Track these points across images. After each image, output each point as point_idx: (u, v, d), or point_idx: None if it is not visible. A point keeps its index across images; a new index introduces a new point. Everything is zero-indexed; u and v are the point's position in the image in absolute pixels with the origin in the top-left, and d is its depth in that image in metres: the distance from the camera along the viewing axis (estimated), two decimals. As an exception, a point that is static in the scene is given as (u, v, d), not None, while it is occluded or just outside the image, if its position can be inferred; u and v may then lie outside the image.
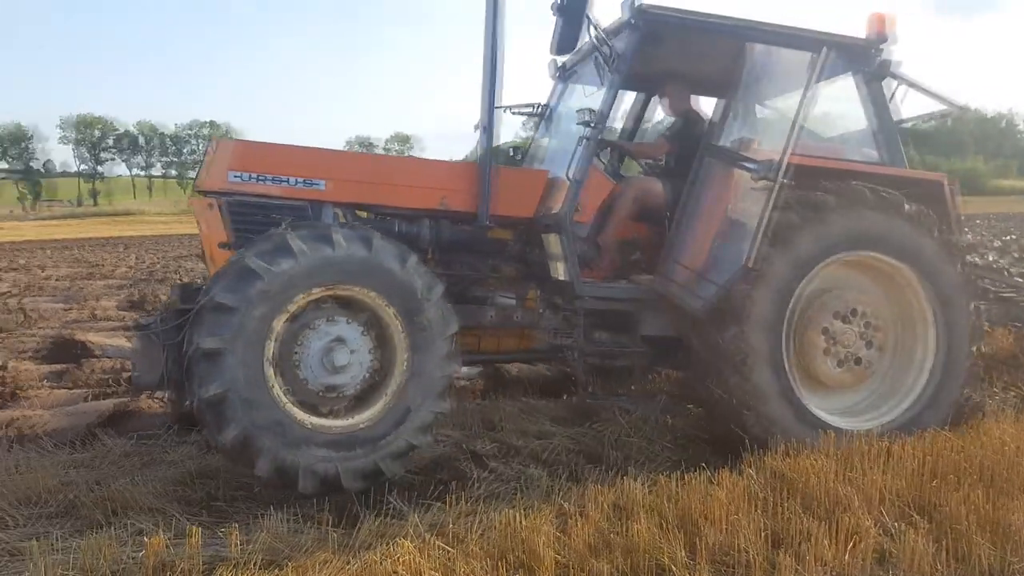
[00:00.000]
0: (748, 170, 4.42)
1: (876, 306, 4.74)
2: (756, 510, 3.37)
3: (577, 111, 4.90)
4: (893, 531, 3.20)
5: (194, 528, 3.14)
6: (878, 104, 5.08)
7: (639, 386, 6.03)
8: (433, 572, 2.84)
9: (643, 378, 6.17)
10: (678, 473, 3.72)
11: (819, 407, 4.68)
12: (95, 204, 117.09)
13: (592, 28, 4.66)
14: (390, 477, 3.94)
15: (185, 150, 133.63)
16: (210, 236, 4.35)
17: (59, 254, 27.53)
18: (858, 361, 4.69)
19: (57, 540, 3.24)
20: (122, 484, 3.94)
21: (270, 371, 3.73)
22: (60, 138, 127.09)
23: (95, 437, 4.83)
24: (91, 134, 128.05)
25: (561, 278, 4.78)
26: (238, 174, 4.42)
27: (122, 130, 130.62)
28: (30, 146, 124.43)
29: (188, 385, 3.73)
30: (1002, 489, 3.53)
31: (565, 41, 4.50)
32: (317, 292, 3.81)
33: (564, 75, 5.91)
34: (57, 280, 15.85)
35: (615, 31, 4.98)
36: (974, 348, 4.85)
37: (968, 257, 5.15)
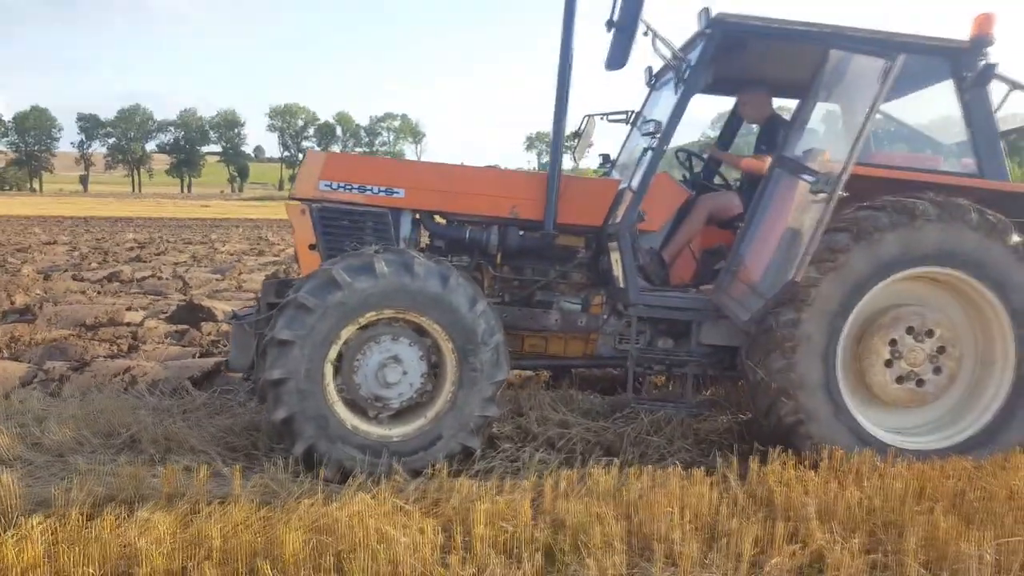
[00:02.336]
0: (808, 182, 4.30)
1: (956, 334, 4.50)
2: (708, 509, 3.46)
3: (642, 122, 4.95)
4: (835, 542, 3.18)
5: (201, 465, 3.68)
6: (980, 111, 4.75)
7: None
8: (380, 522, 3.19)
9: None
10: (651, 467, 3.85)
11: (867, 418, 4.52)
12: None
13: (658, 41, 4.71)
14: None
15: (377, 141, 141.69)
16: (301, 238, 4.86)
17: (247, 232, 30.37)
18: (920, 383, 4.47)
19: (107, 464, 3.91)
20: (180, 427, 4.60)
21: (328, 369, 4.09)
22: (268, 126, 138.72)
23: (184, 389, 5.58)
24: (294, 123, 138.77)
25: (620, 285, 4.92)
26: (327, 183, 4.88)
27: (321, 120, 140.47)
28: (241, 132, 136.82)
29: (258, 364, 4.19)
30: (969, 517, 3.39)
31: (617, 56, 4.54)
32: (388, 313, 4.14)
33: (656, 83, 5.94)
34: (230, 255, 17.67)
35: (692, 42, 5.00)
36: None
37: None
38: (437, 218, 5.22)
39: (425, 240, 5.33)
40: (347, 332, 4.09)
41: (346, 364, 4.14)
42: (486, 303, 4.25)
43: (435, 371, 4.30)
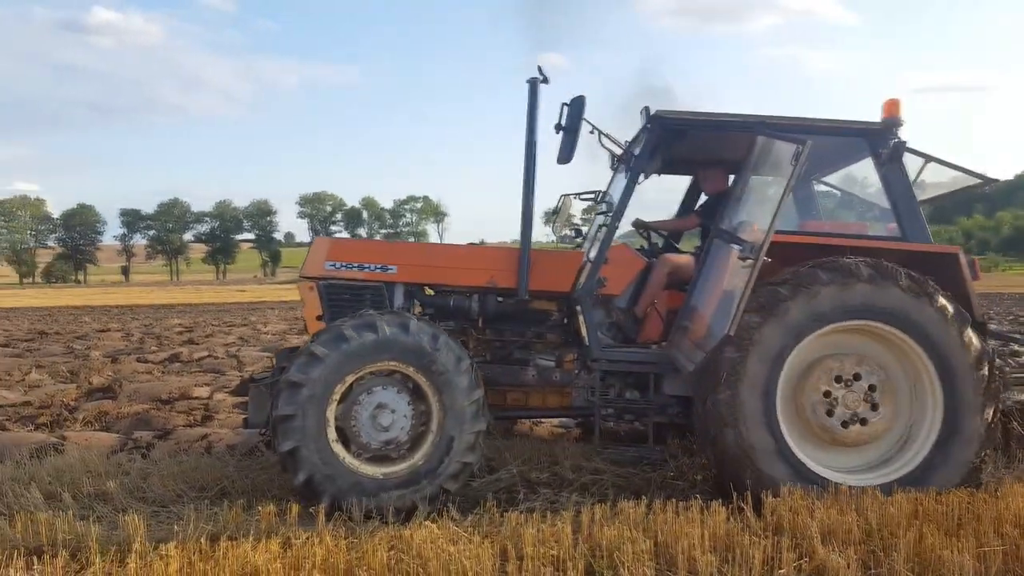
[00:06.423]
0: (737, 250, 4.91)
1: (885, 371, 4.96)
2: (725, 531, 4.04)
3: (597, 202, 5.70)
4: (833, 555, 3.74)
5: (292, 505, 4.35)
6: (897, 182, 5.35)
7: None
8: (445, 544, 3.80)
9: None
10: (674, 502, 4.42)
11: (824, 464, 4.94)
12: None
13: (603, 137, 5.57)
14: (454, 494, 4.87)
15: (401, 222, 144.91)
16: (310, 311, 5.62)
17: (284, 313, 31.36)
18: (864, 422, 4.90)
19: (206, 511, 4.58)
20: (263, 479, 5.28)
21: (331, 411, 4.69)
22: (299, 213, 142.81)
23: (259, 450, 6.27)
24: (323, 209, 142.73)
25: (585, 343, 5.58)
26: (332, 263, 5.67)
27: (349, 205, 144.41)
28: (273, 220, 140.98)
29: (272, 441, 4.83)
30: (952, 531, 3.93)
31: (565, 152, 5.39)
32: (350, 379, 4.77)
33: (617, 166, 6.68)
34: (273, 335, 18.56)
35: (638, 136, 5.82)
36: (989, 412, 4.86)
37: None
38: (427, 289, 5.96)
39: (417, 309, 5.98)
40: (351, 378, 4.74)
41: (350, 434, 4.76)
42: (416, 321, 4.89)
43: (418, 395, 4.87)
